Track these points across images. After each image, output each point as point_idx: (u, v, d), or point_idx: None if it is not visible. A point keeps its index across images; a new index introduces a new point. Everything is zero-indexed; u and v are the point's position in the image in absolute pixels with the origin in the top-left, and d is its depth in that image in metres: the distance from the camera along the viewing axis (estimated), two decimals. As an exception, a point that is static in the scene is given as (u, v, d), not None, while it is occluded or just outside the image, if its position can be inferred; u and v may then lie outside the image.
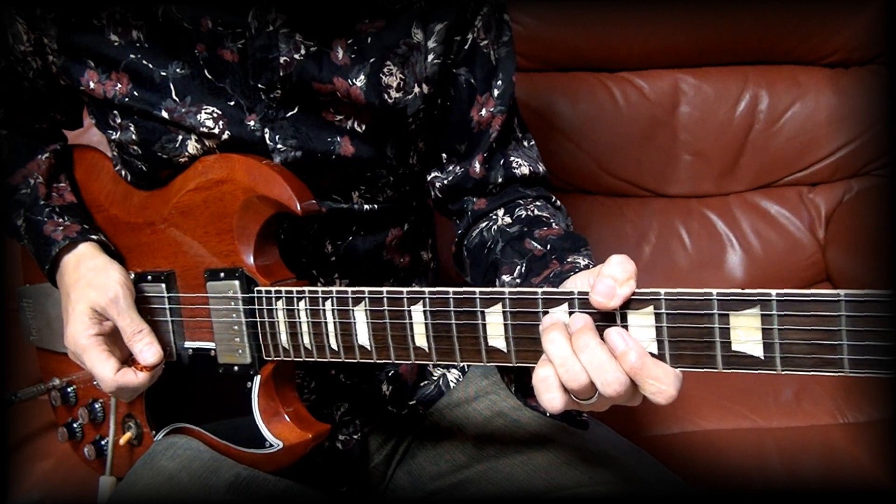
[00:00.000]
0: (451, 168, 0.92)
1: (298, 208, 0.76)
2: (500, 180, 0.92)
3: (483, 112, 0.89)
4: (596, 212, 1.62)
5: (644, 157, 1.61)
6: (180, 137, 0.82)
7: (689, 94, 1.60)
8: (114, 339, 0.82)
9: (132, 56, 0.79)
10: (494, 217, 0.92)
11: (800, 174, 1.61)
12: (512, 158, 0.92)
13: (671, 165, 1.62)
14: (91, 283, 0.81)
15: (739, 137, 1.59)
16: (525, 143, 0.95)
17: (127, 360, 0.82)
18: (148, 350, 0.81)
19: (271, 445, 0.80)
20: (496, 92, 0.88)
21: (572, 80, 1.60)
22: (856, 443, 1.26)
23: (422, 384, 0.98)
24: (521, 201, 0.92)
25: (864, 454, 1.23)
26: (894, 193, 1.53)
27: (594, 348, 0.58)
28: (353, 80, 0.80)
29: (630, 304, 0.59)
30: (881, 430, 1.27)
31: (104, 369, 0.79)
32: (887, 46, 1.53)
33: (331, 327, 0.74)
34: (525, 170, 0.92)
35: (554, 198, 0.95)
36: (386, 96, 0.82)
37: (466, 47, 0.86)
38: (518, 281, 0.80)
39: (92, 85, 0.81)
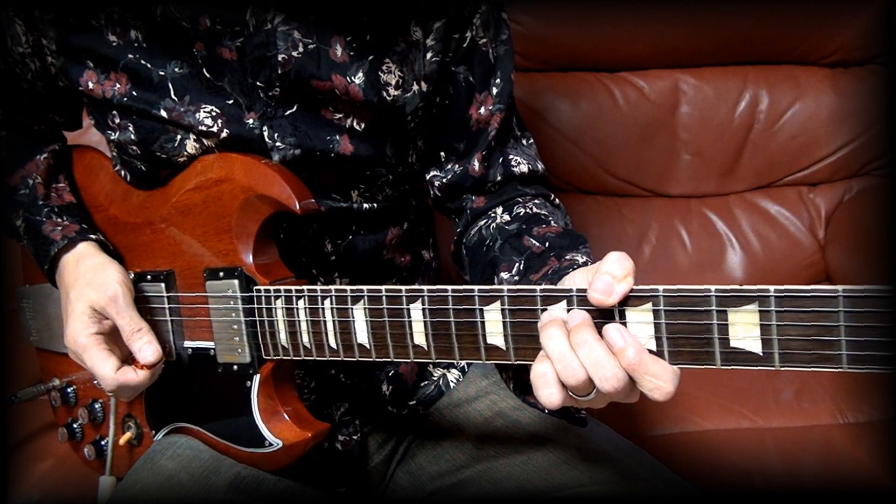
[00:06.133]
0: (449, 166, 0.92)
1: (297, 207, 0.76)
2: (498, 178, 0.92)
3: (482, 110, 0.89)
4: (596, 212, 1.62)
5: (644, 157, 1.60)
6: (179, 137, 0.82)
7: (689, 94, 1.60)
8: (114, 339, 0.82)
9: (131, 56, 0.79)
10: (493, 215, 0.92)
11: (800, 174, 1.61)
12: (511, 157, 0.92)
13: (671, 165, 1.62)
14: (90, 282, 0.81)
15: (739, 137, 1.59)
16: (524, 142, 0.95)
17: (127, 359, 0.82)
18: (147, 349, 0.81)
19: (271, 445, 0.80)
20: (495, 90, 0.89)
21: (572, 80, 1.60)
22: (856, 443, 1.25)
23: (422, 384, 0.98)
24: (519, 199, 0.92)
25: (864, 454, 1.23)
26: (894, 193, 1.53)
27: (592, 344, 0.57)
28: (352, 78, 0.80)
29: (628, 300, 0.58)
30: (881, 430, 1.27)
31: (104, 368, 0.79)
32: (887, 46, 1.53)
33: (330, 326, 0.74)
34: (524, 168, 0.92)
35: (553, 196, 0.95)
36: (385, 94, 0.82)
37: (465, 45, 0.86)
38: (516, 278, 0.80)
39: (91, 85, 0.81)
